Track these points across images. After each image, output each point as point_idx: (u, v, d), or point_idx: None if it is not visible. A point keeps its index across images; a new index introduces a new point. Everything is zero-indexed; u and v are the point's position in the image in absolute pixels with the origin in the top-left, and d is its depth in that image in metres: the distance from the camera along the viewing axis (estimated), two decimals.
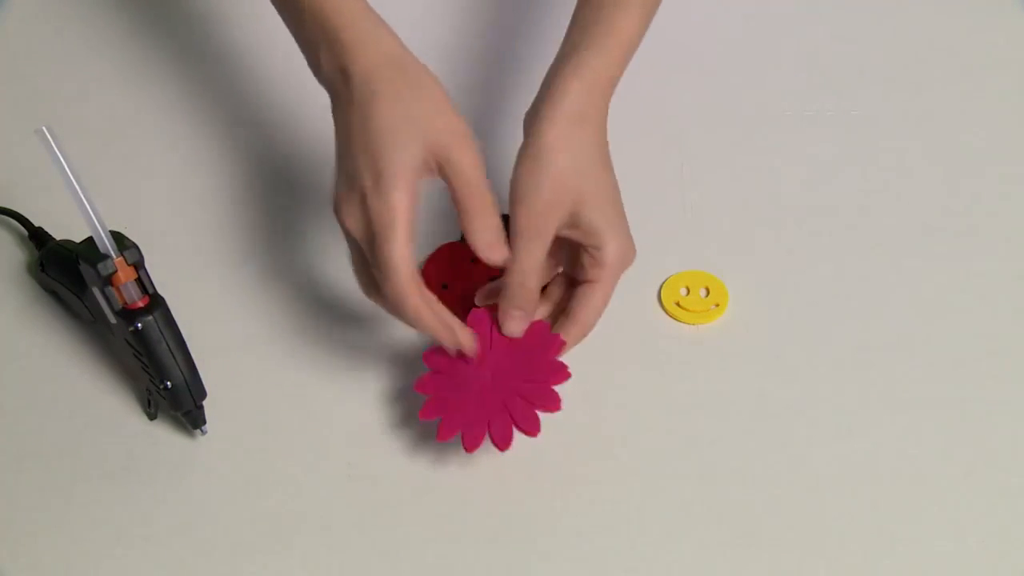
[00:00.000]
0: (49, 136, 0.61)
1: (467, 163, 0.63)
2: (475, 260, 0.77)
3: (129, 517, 0.68)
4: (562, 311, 0.69)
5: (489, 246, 0.65)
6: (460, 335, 0.66)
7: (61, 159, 0.62)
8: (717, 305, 0.75)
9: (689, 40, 0.89)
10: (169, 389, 0.68)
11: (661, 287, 0.76)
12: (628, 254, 0.68)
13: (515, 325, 0.68)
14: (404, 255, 0.62)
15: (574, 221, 0.66)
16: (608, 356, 0.73)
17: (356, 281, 0.67)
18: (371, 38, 0.65)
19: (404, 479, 0.69)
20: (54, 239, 0.78)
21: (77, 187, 0.62)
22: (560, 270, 0.70)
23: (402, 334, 0.74)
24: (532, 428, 0.66)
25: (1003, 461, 0.70)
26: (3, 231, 0.81)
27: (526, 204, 0.65)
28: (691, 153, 0.84)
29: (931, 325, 0.75)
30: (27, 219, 0.79)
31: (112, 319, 0.67)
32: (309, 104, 0.77)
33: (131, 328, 0.66)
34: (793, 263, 0.78)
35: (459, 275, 0.71)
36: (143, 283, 0.66)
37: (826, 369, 0.73)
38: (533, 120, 0.66)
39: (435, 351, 0.69)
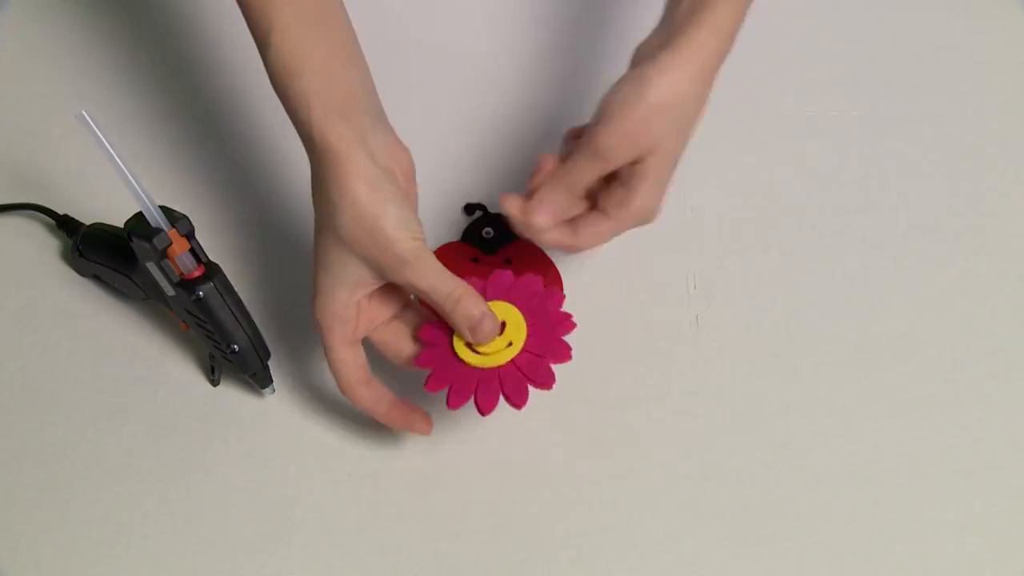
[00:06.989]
0: (89, 119, 0.61)
1: (423, 283, 0.62)
2: (476, 260, 0.77)
3: (129, 516, 0.69)
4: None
5: (480, 318, 0.63)
6: (415, 421, 0.67)
7: (104, 141, 0.61)
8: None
9: None
10: (236, 352, 0.68)
11: None
12: (651, 215, 0.67)
13: (543, 220, 0.66)
14: (340, 358, 0.64)
15: (636, 162, 0.65)
16: (608, 354, 0.74)
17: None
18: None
19: (403, 477, 0.70)
20: (84, 224, 0.77)
21: (123, 165, 0.62)
22: None
23: None
24: (546, 381, 0.63)
25: (1002, 460, 0.70)
26: (24, 224, 0.81)
27: (613, 125, 0.63)
28: (691, 153, 0.83)
29: (932, 325, 0.75)
30: (51, 209, 0.79)
31: (171, 291, 0.67)
32: None
33: (193, 297, 0.66)
34: (793, 263, 0.78)
35: (461, 275, 0.71)
36: (196, 253, 0.66)
37: (827, 369, 0.74)
38: (656, 52, 0.64)
39: (430, 326, 0.66)
